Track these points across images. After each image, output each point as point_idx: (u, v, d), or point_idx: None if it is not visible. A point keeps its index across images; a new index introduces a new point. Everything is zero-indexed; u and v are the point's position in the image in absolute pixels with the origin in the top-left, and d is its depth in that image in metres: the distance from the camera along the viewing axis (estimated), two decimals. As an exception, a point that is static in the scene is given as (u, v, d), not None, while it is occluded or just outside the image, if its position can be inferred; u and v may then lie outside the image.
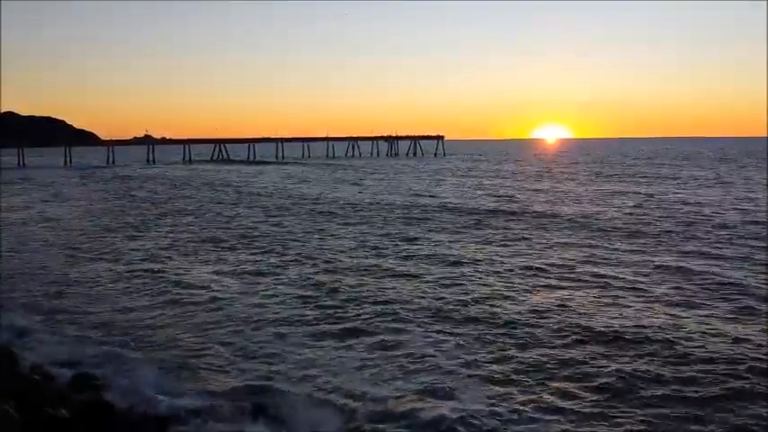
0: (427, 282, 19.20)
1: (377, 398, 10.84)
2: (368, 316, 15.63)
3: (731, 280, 18.61)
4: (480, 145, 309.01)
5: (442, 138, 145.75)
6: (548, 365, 12.25)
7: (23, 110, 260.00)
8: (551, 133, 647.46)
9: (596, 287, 18.16)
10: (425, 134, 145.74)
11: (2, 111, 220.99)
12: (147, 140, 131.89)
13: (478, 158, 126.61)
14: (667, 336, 13.71)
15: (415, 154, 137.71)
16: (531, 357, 12.68)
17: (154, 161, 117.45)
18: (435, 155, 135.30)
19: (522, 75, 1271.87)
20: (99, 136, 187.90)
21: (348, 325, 15.01)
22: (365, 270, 21.03)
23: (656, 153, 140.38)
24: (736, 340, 13.39)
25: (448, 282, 19.15)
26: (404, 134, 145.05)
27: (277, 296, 17.89)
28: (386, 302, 16.82)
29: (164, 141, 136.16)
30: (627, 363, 12.28)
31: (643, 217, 33.02)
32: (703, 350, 12.86)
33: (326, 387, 11.37)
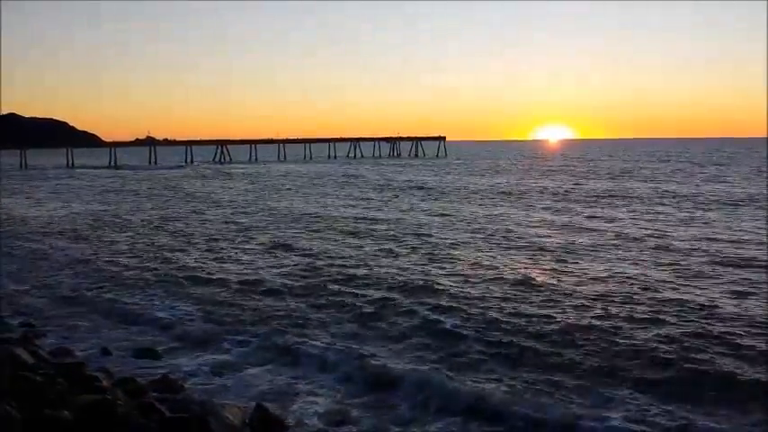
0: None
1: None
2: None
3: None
4: (481, 146, 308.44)
5: (443, 139, 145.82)
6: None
7: (26, 111, 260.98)
8: (553, 134, 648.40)
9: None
10: (427, 135, 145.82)
11: (4, 112, 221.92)
12: (149, 142, 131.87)
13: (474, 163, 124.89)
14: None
15: (416, 155, 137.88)
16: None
17: (156, 162, 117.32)
18: (437, 156, 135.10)
19: (523, 76, 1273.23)
20: (101, 138, 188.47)
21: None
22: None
23: (655, 156, 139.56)
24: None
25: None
26: (405, 135, 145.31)
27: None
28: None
29: (166, 143, 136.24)
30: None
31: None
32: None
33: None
